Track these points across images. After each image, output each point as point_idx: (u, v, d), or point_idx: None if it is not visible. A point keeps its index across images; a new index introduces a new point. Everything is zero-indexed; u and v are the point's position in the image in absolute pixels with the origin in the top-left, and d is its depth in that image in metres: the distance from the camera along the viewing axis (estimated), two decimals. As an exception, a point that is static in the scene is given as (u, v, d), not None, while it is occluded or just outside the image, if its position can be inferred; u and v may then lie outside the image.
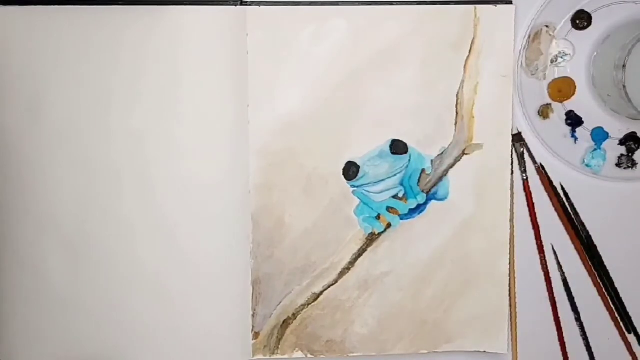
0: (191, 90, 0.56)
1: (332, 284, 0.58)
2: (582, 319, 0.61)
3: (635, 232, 0.61)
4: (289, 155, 0.57)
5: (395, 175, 0.57)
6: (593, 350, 0.61)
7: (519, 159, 0.59)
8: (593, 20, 0.57)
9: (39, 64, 0.55)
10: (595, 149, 0.59)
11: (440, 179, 0.58)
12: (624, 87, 0.54)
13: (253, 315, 0.58)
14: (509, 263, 0.59)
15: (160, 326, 0.58)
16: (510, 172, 0.58)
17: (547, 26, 0.57)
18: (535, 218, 0.60)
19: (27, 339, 0.58)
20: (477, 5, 0.56)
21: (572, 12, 0.57)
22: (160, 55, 0.55)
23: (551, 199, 0.60)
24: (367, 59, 0.56)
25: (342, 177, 0.57)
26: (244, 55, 0.55)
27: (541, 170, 0.59)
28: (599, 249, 0.60)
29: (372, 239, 0.58)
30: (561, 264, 0.60)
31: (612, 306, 0.61)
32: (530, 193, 0.59)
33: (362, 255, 0.58)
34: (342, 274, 0.58)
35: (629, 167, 0.59)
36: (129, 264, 0.57)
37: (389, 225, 0.58)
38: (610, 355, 0.62)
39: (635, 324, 0.61)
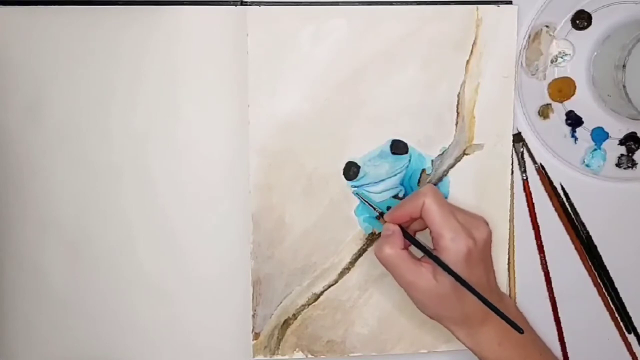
0: (191, 91, 0.56)
1: (333, 284, 0.58)
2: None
3: (635, 232, 0.61)
4: (289, 155, 0.57)
5: (395, 175, 0.57)
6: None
7: (519, 159, 0.59)
8: (593, 20, 0.57)
9: (39, 64, 0.55)
10: (595, 149, 0.59)
11: (441, 179, 0.58)
12: (624, 87, 0.54)
13: (253, 316, 0.58)
14: (509, 263, 0.59)
15: (160, 326, 0.58)
16: (510, 172, 0.58)
17: (547, 26, 0.57)
18: (535, 218, 0.60)
19: (27, 339, 0.58)
20: (480, 6, 0.56)
21: (572, 12, 0.57)
22: (160, 56, 0.55)
23: (551, 199, 0.60)
24: (368, 59, 0.56)
25: (342, 177, 0.57)
26: (244, 55, 0.55)
27: (541, 170, 0.59)
28: (599, 249, 0.60)
29: (372, 239, 0.58)
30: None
31: (612, 306, 0.61)
32: (530, 193, 0.59)
33: (362, 255, 0.58)
34: (342, 274, 0.58)
35: (629, 167, 0.59)
36: (129, 264, 0.57)
37: (389, 225, 0.58)
38: (610, 355, 0.62)
39: (635, 324, 0.61)
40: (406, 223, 0.53)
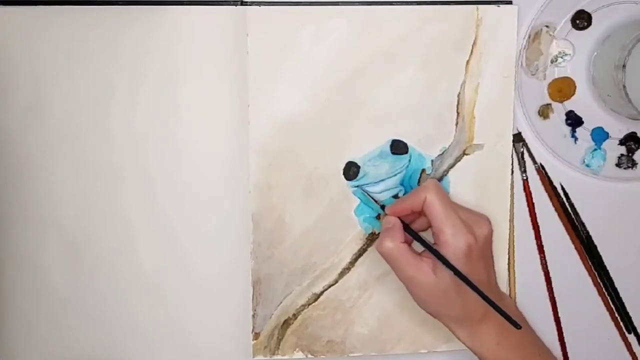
0: (191, 91, 0.56)
1: (333, 284, 0.58)
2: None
3: (635, 232, 0.61)
4: (289, 155, 0.57)
5: (395, 175, 0.57)
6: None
7: (519, 159, 0.59)
8: (593, 20, 0.57)
9: (39, 64, 0.55)
10: (595, 149, 0.59)
11: (441, 179, 0.58)
12: (624, 87, 0.54)
13: (253, 316, 0.58)
14: (509, 263, 0.59)
15: (160, 326, 0.58)
16: (510, 172, 0.58)
17: (547, 26, 0.57)
18: (535, 218, 0.60)
19: (27, 339, 0.58)
20: (480, 6, 0.56)
21: (572, 12, 0.57)
22: (160, 55, 0.55)
23: (551, 199, 0.60)
24: (368, 59, 0.56)
25: (342, 177, 0.57)
26: (244, 55, 0.55)
27: (541, 170, 0.59)
28: (599, 249, 0.60)
29: (372, 239, 0.58)
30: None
31: (612, 306, 0.61)
32: (530, 193, 0.59)
33: (362, 255, 0.58)
34: (342, 274, 0.58)
35: (629, 167, 0.59)
36: (129, 264, 0.57)
37: (389, 225, 0.58)
38: (610, 355, 0.62)
39: (635, 324, 0.61)
40: (408, 217, 0.53)
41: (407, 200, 0.52)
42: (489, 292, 0.51)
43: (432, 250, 0.51)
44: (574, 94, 0.58)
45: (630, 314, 0.61)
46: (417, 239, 0.52)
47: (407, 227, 0.52)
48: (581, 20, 0.57)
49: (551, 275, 0.61)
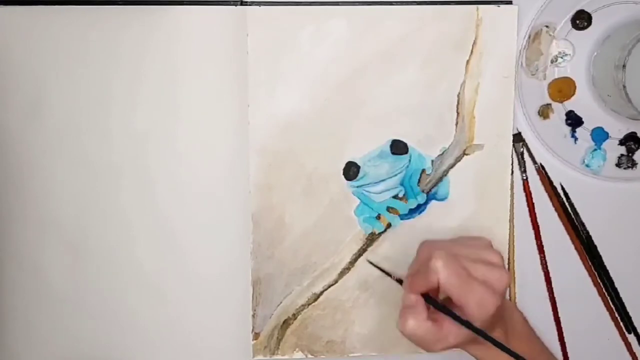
0: (191, 91, 0.56)
1: (333, 284, 0.58)
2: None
3: (635, 232, 0.61)
4: (289, 155, 0.57)
5: (395, 175, 0.57)
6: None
7: (519, 159, 0.59)
8: (593, 20, 0.57)
9: (39, 64, 0.55)
10: (595, 149, 0.59)
11: (441, 179, 0.58)
12: (624, 87, 0.54)
13: (253, 316, 0.58)
14: (509, 262, 0.59)
15: (160, 326, 0.58)
16: (510, 172, 0.58)
17: (547, 26, 0.57)
18: (535, 218, 0.60)
19: (27, 339, 0.58)
20: (480, 6, 0.56)
21: (572, 12, 0.57)
22: (160, 55, 0.55)
23: (551, 199, 0.60)
24: (367, 59, 0.56)
25: (342, 177, 0.57)
26: (244, 55, 0.55)
27: (541, 170, 0.59)
28: (599, 249, 0.60)
29: (372, 239, 0.58)
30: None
31: (612, 306, 0.61)
32: (530, 193, 0.59)
33: (362, 255, 0.58)
34: (342, 274, 0.58)
35: (629, 167, 0.59)
36: (129, 264, 0.57)
37: (389, 225, 0.58)
38: (610, 355, 0.62)
39: (635, 324, 0.61)
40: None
41: (421, 281, 0.48)
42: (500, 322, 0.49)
43: (457, 318, 0.48)
44: (574, 94, 0.58)
45: (630, 314, 0.61)
46: (440, 309, 0.48)
47: (427, 297, 0.49)
48: (581, 20, 0.57)
49: (551, 275, 0.61)
